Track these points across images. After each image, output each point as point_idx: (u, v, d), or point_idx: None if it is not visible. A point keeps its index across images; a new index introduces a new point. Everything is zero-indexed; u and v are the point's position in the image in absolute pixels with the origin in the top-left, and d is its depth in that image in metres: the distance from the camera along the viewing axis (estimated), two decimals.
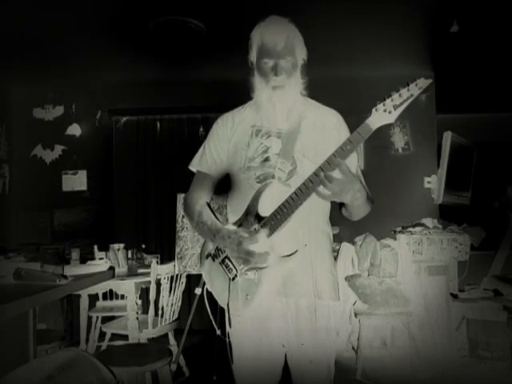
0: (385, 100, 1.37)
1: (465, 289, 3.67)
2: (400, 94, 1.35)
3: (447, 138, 3.82)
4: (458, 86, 4.44)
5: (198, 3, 3.30)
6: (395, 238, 3.78)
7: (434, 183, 4.53)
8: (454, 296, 3.57)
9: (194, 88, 4.85)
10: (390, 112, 1.37)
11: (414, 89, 1.34)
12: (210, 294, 1.65)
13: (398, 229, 3.82)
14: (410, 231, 3.67)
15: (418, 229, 3.68)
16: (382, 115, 1.38)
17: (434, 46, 4.16)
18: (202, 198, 1.68)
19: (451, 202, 4.05)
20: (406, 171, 4.74)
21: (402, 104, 1.36)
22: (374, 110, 1.39)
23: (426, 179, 4.75)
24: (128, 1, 3.23)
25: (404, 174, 4.73)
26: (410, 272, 3.60)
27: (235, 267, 1.53)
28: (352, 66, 4.53)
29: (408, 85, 1.35)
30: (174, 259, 3.36)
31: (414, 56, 4.38)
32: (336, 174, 1.38)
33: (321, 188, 1.41)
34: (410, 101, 1.36)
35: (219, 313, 1.65)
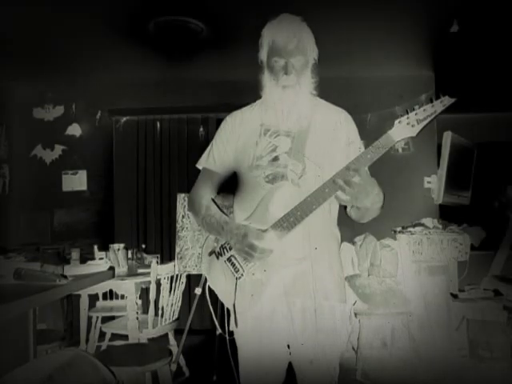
0: (408, 113, 1.38)
1: (465, 289, 3.67)
2: (424, 109, 1.36)
3: (447, 138, 3.82)
4: (458, 86, 4.43)
5: (198, 3, 3.31)
6: (395, 238, 3.77)
7: (434, 183, 4.53)
8: (454, 296, 3.57)
9: (193, 88, 4.85)
10: (413, 125, 1.37)
11: (439, 105, 1.35)
12: (211, 293, 1.64)
13: (398, 229, 3.82)
14: (409, 231, 3.67)
15: (418, 229, 3.68)
16: (404, 128, 1.38)
17: (434, 46, 4.16)
18: (207, 194, 1.68)
19: (451, 202, 4.05)
20: (406, 171, 4.73)
21: (425, 119, 1.36)
22: (396, 122, 1.39)
23: (426, 179, 4.75)
24: (128, 1, 3.23)
25: (404, 174, 4.73)
26: (410, 272, 3.59)
27: (241, 266, 1.53)
28: (352, 65, 4.53)
29: (432, 101, 1.36)
30: (174, 259, 3.39)
31: (413, 56, 4.37)
32: (355, 178, 1.39)
33: (339, 193, 1.42)
34: (433, 117, 1.36)
35: (220, 312, 1.65)
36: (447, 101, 1.35)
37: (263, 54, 1.57)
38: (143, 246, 4.05)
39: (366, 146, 1.45)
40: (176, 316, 3.35)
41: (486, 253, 3.92)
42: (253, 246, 1.47)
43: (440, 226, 3.72)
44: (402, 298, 3.47)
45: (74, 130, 5.07)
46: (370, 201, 1.43)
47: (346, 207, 1.64)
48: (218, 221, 1.58)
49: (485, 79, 4.63)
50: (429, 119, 1.36)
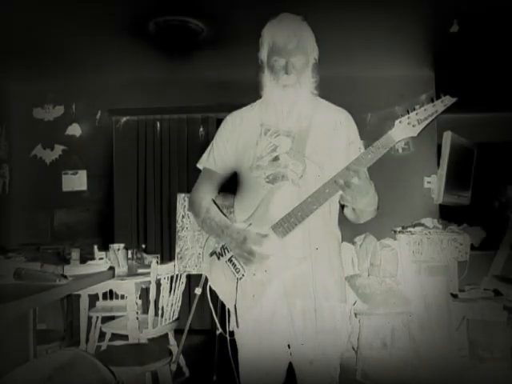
0: (409, 113, 1.37)
1: (465, 289, 3.66)
2: (425, 109, 1.35)
3: (447, 138, 3.82)
4: (458, 86, 4.43)
5: (198, 3, 3.31)
6: (395, 238, 3.77)
7: (434, 183, 4.53)
8: (454, 296, 3.57)
9: (193, 88, 4.85)
10: (413, 125, 1.36)
11: (440, 105, 1.34)
12: (211, 293, 1.64)
13: (398, 229, 3.81)
14: (410, 231, 3.67)
15: (418, 229, 3.68)
16: (405, 128, 1.37)
17: (434, 46, 4.16)
18: (208, 194, 1.68)
19: (451, 202, 4.05)
20: (406, 171, 4.73)
21: (426, 119, 1.35)
22: (397, 122, 1.38)
23: (426, 179, 4.75)
24: (128, 1, 3.23)
25: (404, 174, 4.73)
26: (410, 272, 3.59)
27: (242, 267, 1.53)
28: (352, 65, 4.52)
29: (433, 100, 1.35)
30: (174, 259, 3.38)
31: (413, 56, 4.37)
32: (354, 179, 1.39)
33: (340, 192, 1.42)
34: (434, 116, 1.35)
35: (220, 311, 1.65)
36: (448, 100, 1.34)
37: (263, 54, 1.57)
38: (143, 246, 4.05)
39: (366, 146, 1.45)
40: (176, 316, 3.35)
41: (486, 253, 3.92)
42: (251, 251, 1.47)
43: (440, 226, 3.72)
44: (401, 298, 3.47)
45: (74, 130, 5.07)
46: (364, 203, 1.44)
47: (343, 208, 1.64)
48: (218, 224, 1.58)
49: (485, 79, 4.63)
50: (430, 119, 1.35)
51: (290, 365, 1.62)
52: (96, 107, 5.02)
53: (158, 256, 3.88)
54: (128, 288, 3.10)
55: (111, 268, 2.80)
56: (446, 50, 4.15)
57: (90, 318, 3.73)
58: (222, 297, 1.60)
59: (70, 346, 2.99)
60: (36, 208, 4.98)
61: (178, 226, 3.37)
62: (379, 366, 3.49)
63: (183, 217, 3.36)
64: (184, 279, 3.41)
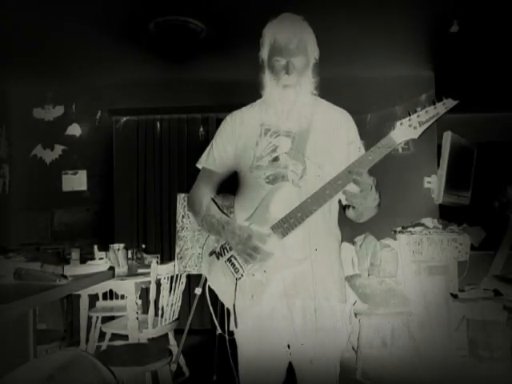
0: (410, 115, 1.37)
1: (465, 289, 3.67)
2: (426, 111, 1.36)
3: (447, 138, 3.82)
4: (458, 86, 4.44)
5: (198, 3, 3.31)
6: (395, 238, 3.77)
7: (434, 183, 4.52)
8: (454, 296, 3.57)
9: (193, 88, 4.85)
10: (415, 128, 1.37)
11: (441, 107, 1.34)
12: (211, 293, 1.64)
13: (398, 229, 3.82)
14: (410, 231, 3.67)
15: (418, 229, 3.68)
16: (406, 130, 1.38)
17: (434, 46, 4.16)
18: (207, 194, 1.67)
19: (451, 202, 4.04)
20: (406, 171, 4.73)
21: (427, 121, 1.36)
22: (398, 123, 1.38)
23: (426, 179, 4.75)
24: (128, 1, 3.23)
25: (404, 174, 4.72)
26: (410, 272, 3.60)
27: (241, 267, 1.53)
28: (352, 65, 4.53)
29: (434, 103, 1.35)
30: (174, 259, 3.39)
31: (413, 56, 4.37)
32: (355, 184, 1.40)
33: (349, 189, 1.43)
34: (435, 119, 1.35)
35: (219, 311, 1.65)
36: (450, 103, 1.34)
37: (264, 54, 1.56)
38: (143, 246, 4.05)
39: (366, 146, 1.45)
40: (176, 316, 3.35)
41: (486, 253, 3.92)
42: (257, 248, 1.47)
43: (440, 226, 3.72)
44: (401, 297, 3.47)
45: (74, 130, 5.08)
46: (371, 199, 1.45)
47: (344, 208, 1.64)
48: (219, 220, 1.58)
49: (485, 79, 4.63)
50: (431, 121, 1.36)
51: (290, 364, 1.62)
52: (96, 107, 5.02)
53: (158, 256, 3.89)
54: (128, 288, 3.10)
55: (111, 268, 2.79)
56: (446, 50, 4.15)
57: (90, 318, 3.73)
58: (221, 297, 1.60)
59: (69, 346, 2.99)
60: (36, 208, 4.98)
61: (178, 226, 3.37)
62: (379, 365, 3.49)
63: (183, 217, 3.36)
64: (184, 279, 3.41)
